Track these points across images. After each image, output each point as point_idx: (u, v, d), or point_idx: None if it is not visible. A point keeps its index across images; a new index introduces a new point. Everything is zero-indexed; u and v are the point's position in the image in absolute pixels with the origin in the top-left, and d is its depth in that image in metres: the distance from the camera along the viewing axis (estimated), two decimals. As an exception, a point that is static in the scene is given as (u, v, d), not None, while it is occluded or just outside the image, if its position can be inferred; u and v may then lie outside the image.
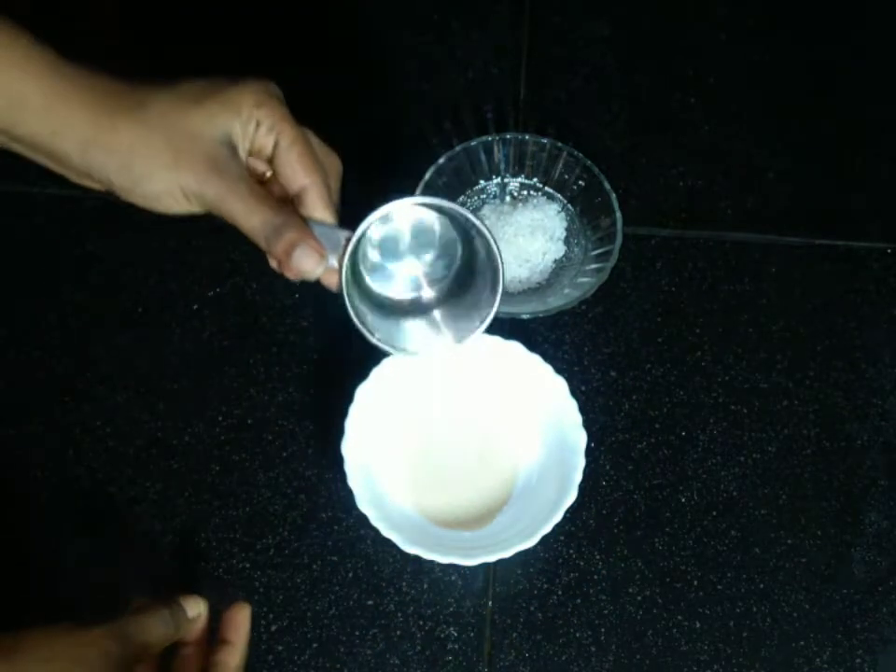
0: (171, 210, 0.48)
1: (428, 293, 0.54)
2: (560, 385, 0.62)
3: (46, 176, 0.73)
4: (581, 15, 0.82)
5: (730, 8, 0.82)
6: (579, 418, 0.61)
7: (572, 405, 0.61)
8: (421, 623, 0.62)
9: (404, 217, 0.51)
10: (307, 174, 0.48)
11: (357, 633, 0.61)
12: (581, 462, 0.59)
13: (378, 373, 0.62)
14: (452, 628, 0.62)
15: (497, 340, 0.63)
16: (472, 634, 0.62)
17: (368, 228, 0.48)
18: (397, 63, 0.78)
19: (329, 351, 0.69)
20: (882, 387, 0.69)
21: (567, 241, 0.71)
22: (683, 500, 0.65)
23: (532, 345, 0.63)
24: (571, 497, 0.58)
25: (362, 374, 0.61)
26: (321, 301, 0.70)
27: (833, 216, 0.75)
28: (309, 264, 0.47)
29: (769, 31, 0.82)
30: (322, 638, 0.61)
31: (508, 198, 0.72)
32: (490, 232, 0.49)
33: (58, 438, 0.66)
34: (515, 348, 0.63)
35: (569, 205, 0.71)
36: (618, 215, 0.67)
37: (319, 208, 0.49)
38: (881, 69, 0.80)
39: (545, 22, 0.81)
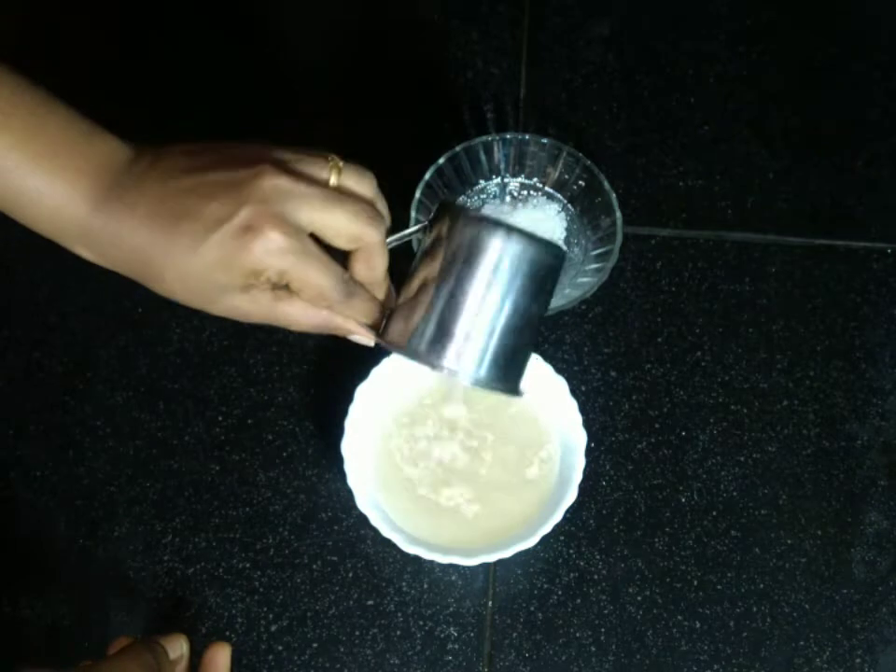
0: (247, 304, 0.46)
1: None
2: (560, 384, 0.62)
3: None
4: (581, 15, 0.82)
5: (730, 8, 0.82)
6: (579, 418, 0.61)
7: (572, 405, 0.61)
8: (421, 623, 0.62)
9: None
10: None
11: (357, 633, 0.61)
12: (581, 462, 0.60)
13: (378, 373, 0.62)
14: (452, 628, 0.62)
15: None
16: (472, 634, 0.62)
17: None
18: (397, 63, 0.78)
19: (329, 351, 0.69)
20: (882, 387, 0.69)
21: (567, 241, 0.71)
22: (683, 500, 0.65)
23: (532, 345, 0.63)
24: (571, 497, 0.59)
25: (362, 374, 0.61)
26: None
27: (833, 216, 0.75)
28: (362, 315, 0.48)
29: (769, 31, 0.82)
30: (322, 638, 0.61)
31: (508, 198, 0.72)
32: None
33: (58, 438, 0.66)
34: (515, 348, 0.63)
35: (569, 205, 0.71)
36: (618, 215, 0.67)
37: (380, 262, 0.48)
38: (881, 69, 0.80)
39: (545, 22, 0.81)
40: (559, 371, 0.62)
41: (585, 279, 0.67)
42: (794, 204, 0.75)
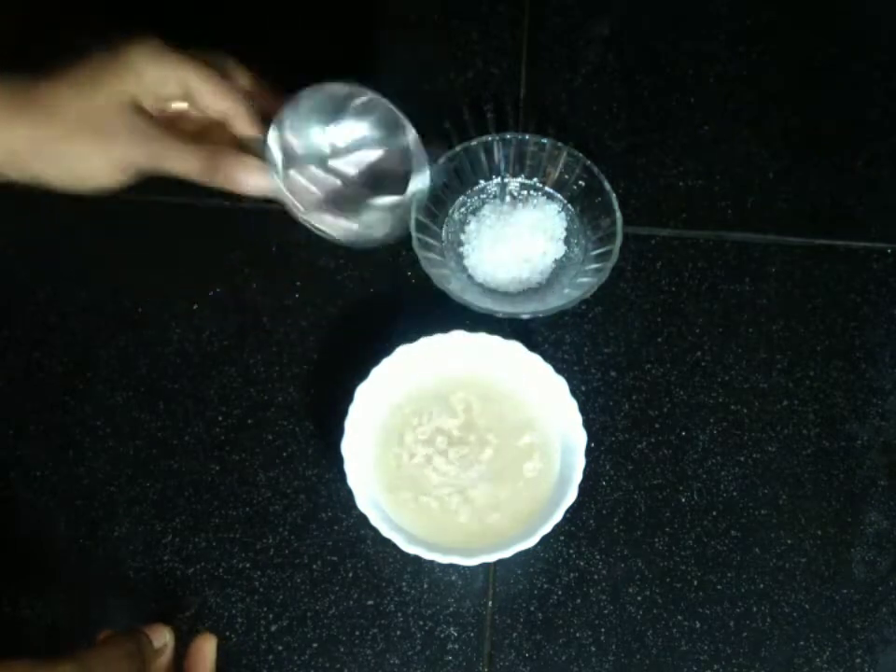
0: (103, 186, 0.50)
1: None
2: (560, 384, 0.62)
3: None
4: (581, 15, 0.82)
5: (730, 8, 0.82)
6: (579, 418, 0.61)
7: (572, 405, 0.61)
8: (421, 623, 0.62)
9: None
10: (223, 101, 0.52)
11: (357, 633, 0.61)
12: (581, 462, 0.60)
13: (378, 373, 0.62)
14: (452, 628, 0.62)
15: (497, 340, 0.63)
16: (472, 634, 0.62)
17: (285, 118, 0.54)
18: (397, 63, 0.78)
19: (329, 351, 0.69)
20: (882, 387, 0.69)
21: (567, 241, 0.71)
22: (683, 500, 0.65)
23: (532, 345, 0.63)
24: (571, 496, 0.59)
25: (362, 374, 0.61)
26: (321, 301, 0.70)
27: (833, 216, 0.75)
28: (254, 178, 0.52)
29: (769, 31, 0.82)
30: (322, 638, 0.61)
31: (508, 198, 0.72)
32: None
33: (58, 438, 0.66)
34: (515, 348, 0.63)
35: (569, 205, 0.71)
36: (618, 215, 0.67)
37: (246, 126, 0.53)
38: (881, 69, 0.80)
39: (545, 22, 0.81)
40: (559, 371, 0.62)
41: (585, 279, 0.67)
42: (794, 204, 0.75)
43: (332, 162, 0.59)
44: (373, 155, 0.60)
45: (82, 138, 0.47)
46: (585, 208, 0.70)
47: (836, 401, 0.68)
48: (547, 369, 0.62)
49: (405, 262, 0.72)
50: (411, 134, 0.59)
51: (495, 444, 0.63)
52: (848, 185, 0.76)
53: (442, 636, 0.62)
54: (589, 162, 0.69)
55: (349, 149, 0.60)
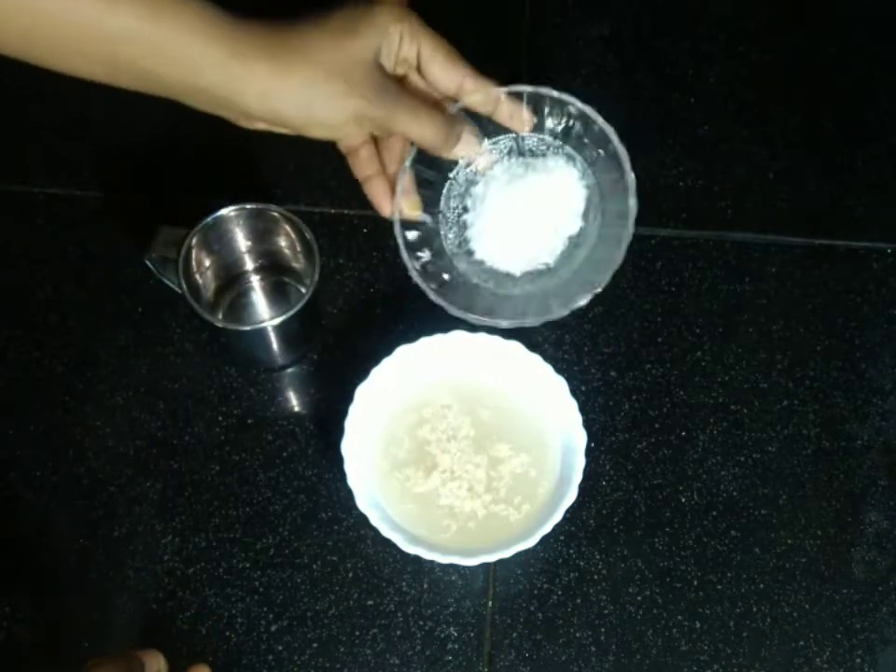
0: (335, 133, 0.51)
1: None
2: (560, 384, 0.62)
3: (46, 176, 0.74)
4: (581, 15, 0.82)
5: (730, 8, 0.82)
6: (579, 418, 0.61)
7: (572, 405, 0.61)
8: (421, 623, 0.62)
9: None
10: (460, 67, 0.53)
11: (357, 633, 0.61)
12: (581, 462, 0.60)
13: (378, 373, 0.62)
14: (452, 628, 0.62)
15: (497, 340, 0.63)
16: (472, 634, 0.62)
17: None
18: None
19: (329, 351, 0.69)
20: (882, 387, 0.69)
21: (584, 215, 0.60)
22: (683, 500, 0.65)
23: (532, 345, 0.63)
24: (571, 496, 0.58)
25: (362, 374, 0.61)
26: (321, 301, 0.70)
27: (833, 216, 0.75)
28: (473, 146, 0.56)
29: (769, 31, 0.82)
30: (322, 638, 0.61)
31: (521, 158, 0.61)
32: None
33: (58, 438, 0.66)
34: (515, 348, 0.63)
35: (589, 171, 0.60)
36: (632, 203, 0.56)
37: (486, 84, 0.54)
38: (881, 68, 0.80)
39: (545, 22, 0.81)
40: (559, 371, 0.62)
41: (582, 298, 0.58)
42: (794, 204, 0.75)
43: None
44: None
45: (328, 84, 0.48)
46: (603, 182, 0.60)
47: (836, 401, 0.68)
48: (547, 369, 0.62)
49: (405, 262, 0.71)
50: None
51: (494, 444, 0.63)
52: (848, 185, 0.76)
53: (442, 636, 0.62)
54: (613, 134, 0.59)
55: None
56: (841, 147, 0.77)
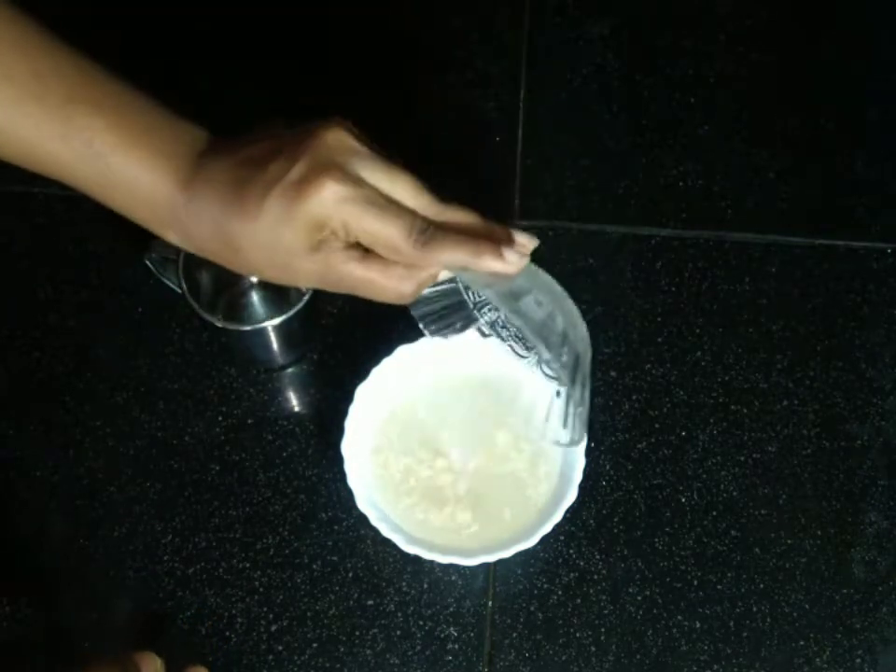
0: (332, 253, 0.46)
1: None
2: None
3: (46, 176, 0.74)
4: (581, 15, 0.82)
5: (730, 8, 0.82)
6: (579, 418, 0.61)
7: (572, 405, 0.61)
8: (421, 623, 0.62)
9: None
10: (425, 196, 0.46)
11: (357, 633, 0.61)
12: (581, 462, 0.59)
13: (378, 373, 0.62)
14: (452, 628, 0.62)
15: (497, 340, 0.63)
16: (472, 634, 0.62)
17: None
18: (396, 63, 0.78)
19: (329, 351, 0.69)
20: (882, 387, 0.69)
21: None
22: (683, 500, 0.65)
23: (532, 345, 0.63)
24: (571, 496, 0.58)
25: (362, 374, 0.61)
26: (321, 301, 0.70)
27: (833, 216, 0.75)
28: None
29: (769, 31, 0.82)
30: (322, 638, 0.61)
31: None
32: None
33: (58, 438, 0.66)
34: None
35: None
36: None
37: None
38: (881, 69, 0.80)
39: (545, 22, 0.81)
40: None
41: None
42: (794, 204, 0.75)
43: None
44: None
45: (279, 276, 0.46)
46: None
47: (836, 401, 0.68)
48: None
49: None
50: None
51: (494, 444, 0.63)
52: (848, 185, 0.76)
53: (442, 636, 0.62)
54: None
55: None
56: (841, 147, 0.77)
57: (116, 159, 0.44)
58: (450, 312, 0.54)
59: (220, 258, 0.46)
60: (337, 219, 0.43)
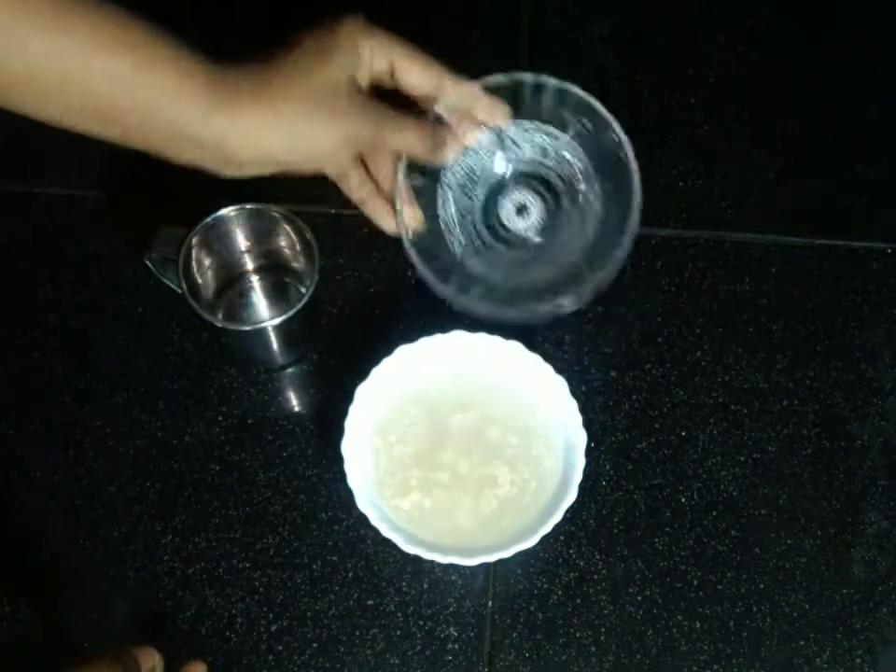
0: (336, 166, 0.54)
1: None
2: (560, 384, 0.62)
3: (46, 176, 0.74)
4: (581, 15, 0.82)
5: (730, 8, 0.82)
6: (579, 418, 0.61)
7: (572, 405, 0.61)
8: (421, 623, 0.62)
9: None
10: (436, 69, 0.53)
11: (357, 633, 0.61)
12: (580, 462, 0.59)
13: (378, 373, 0.62)
14: (452, 628, 0.62)
15: (497, 340, 0.63)
16: (472, 634, 0.62)
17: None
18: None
19: (329, 351, 0.69)
20: (882, 387, 0.69)
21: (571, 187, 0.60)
22: (683, 500, 0.65)
23: (532, 345, 0.63)
24: (571, 496, 0.58)
25: (362, 374, 0.61)
26: (321, 301, 0.70)
27: (833, 216, 0.75)
28: (474, 135, 0.55)
29: (769, 31, 0.82)
30: (322, 638, 0.61)
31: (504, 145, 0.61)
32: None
33: (58, 438, 0.66)
34: (515, 348, 0.63)
35: (576, 144, 0.61)
36: (633, 166, 0.58)
37: (463, 85, 0.55)
38: (881, 69, 0.80)
39: (545, 22, 0.81)
40: (559, 371, 0.62)
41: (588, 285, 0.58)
42: (794, 204, 0.75)
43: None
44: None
45: (311, 115, 0.48)
46: (593, 153, 0.61)
47: (836, 401, 0.68)
48: (547, 369, 0.62)
49: (405, 262, 0.71)
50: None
51: (494, 444, 0.63)
52: (848, 185, 0.76)
53: (442, 636, 0.62)
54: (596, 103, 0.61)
55: None
56: (841, 147, 0.77)
57: (141, 80, 0.45)
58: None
59: (253, 116, 0.47)
60: (368, 44, 0.50)
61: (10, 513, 0.64)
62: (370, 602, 0.62)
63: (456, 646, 0.61)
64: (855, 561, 0.64)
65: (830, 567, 0.64)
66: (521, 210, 0.61)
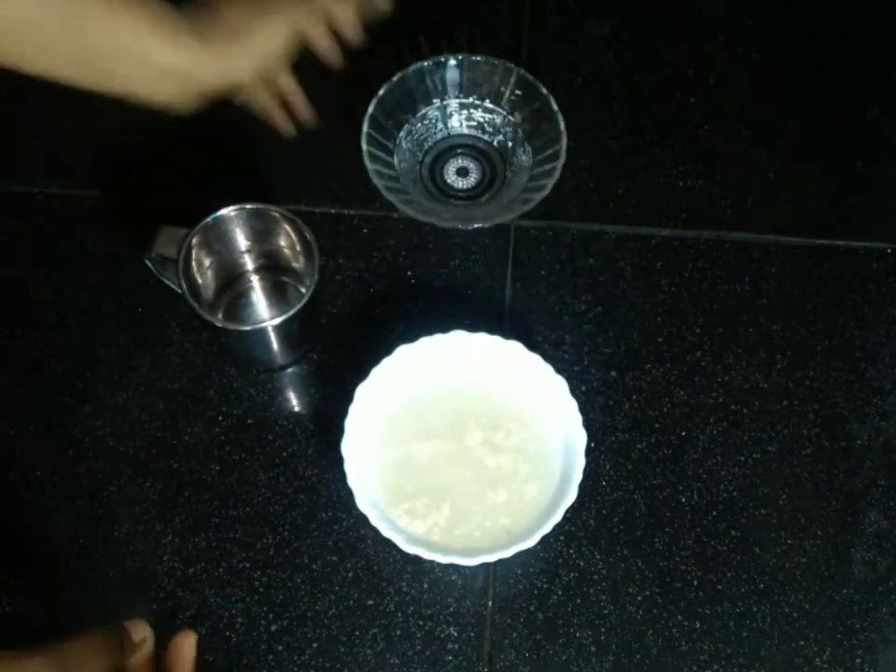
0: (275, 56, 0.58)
1: None
2: (560, 384, 0.62)
3: (46, 176, 0.74)
4: (581, 15, 0.82)
5: (730, 8, 0.82)
6: (579, 418, 0.61)
7: (572, 405, 0.61)
8: (421, 623, 0.62)
9: None
10: None
11: (357, 633, 0.61)
12: (580, 462, 0.60)
13: (378, 373, 0.62)
14: (452, 628, 0.62)
15: (497, 340, 0.63)
16: (472, 634, 0.62)
17: None
18: (396, 63, 0.78)
19: (329, 351, 0.69)
20: (882, 387, 0.69)
21: (513, 149, 0.74)
22: (683, 500, 0.65)
23: (532, 345, 0.63)
24: (571, 496, 0.58)
25: (362, 374, 0.61)
26: (321, 301, 0.70)
27: (833, 216, 0.75)
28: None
29: (769, 31, 0.82)
30: (322, 638, 0.61)
31: (449, 119, 0.75)
32: None
33: (58, 438, 0.66)
34: (515, 348, 0.63)
35: (510, 116, 0.74)
36: (560, 122, 0.70)
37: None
38: (881, 69, 0.80)
39: (545, 22, 0.81)
40: (559, 371, 0.62)
41: (530, 195, 0.70)
42: (794, 204, 0.75)
43: None
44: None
45: (269, 19, 0.55)
46: (527, 118, 0.73)
47: (836, 401, 0.68)
48: (547, 369, 0.62)
49: (405, 262, 0.72)
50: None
51: (494, 444, 0.63)
52: (848, 185, 0.76)
53: (442, 636, 0.62)
54: (523, 71, 0.72)
55: None
56: (841, 147, 0.77)
57: (118, 27, 0.51)
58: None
59: (224, 43, 0.54)
60: None
61: (10, 513, 0.64)
62: (370, 602, 0.62)
63: (456, 646, 0.61)
64: (855, 561, 0.64)
65: (830, 567, 0.64)
66: (461, 172, 0.74)
